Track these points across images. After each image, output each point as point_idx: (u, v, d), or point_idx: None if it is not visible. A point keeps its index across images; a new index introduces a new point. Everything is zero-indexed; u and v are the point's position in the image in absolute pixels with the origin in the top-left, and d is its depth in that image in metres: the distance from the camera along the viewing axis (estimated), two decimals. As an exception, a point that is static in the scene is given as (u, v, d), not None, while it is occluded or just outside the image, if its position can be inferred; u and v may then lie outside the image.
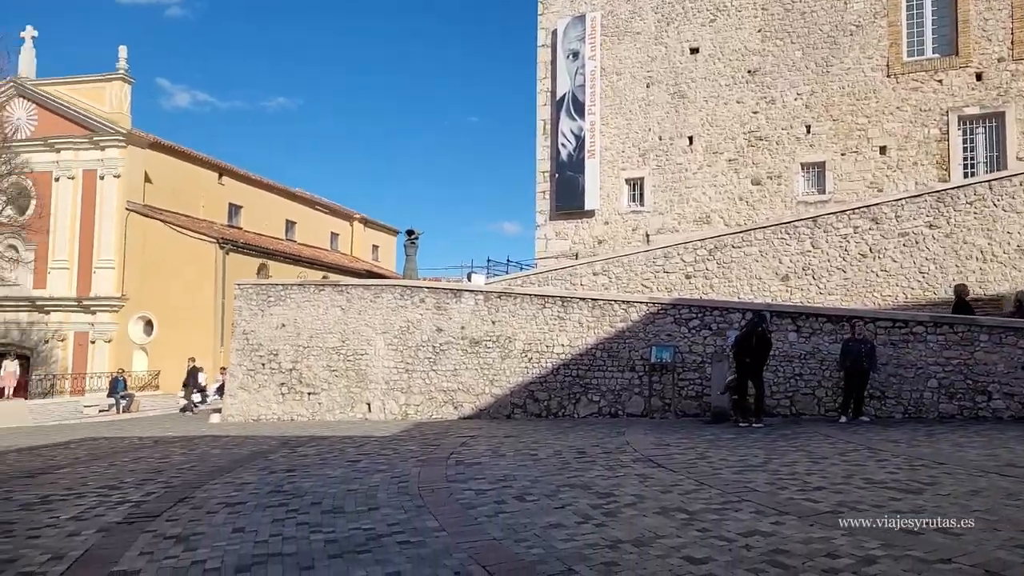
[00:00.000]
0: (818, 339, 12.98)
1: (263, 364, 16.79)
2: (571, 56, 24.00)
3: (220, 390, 20.80)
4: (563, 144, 23.84)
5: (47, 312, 29.17)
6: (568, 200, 23.65)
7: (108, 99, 29.79)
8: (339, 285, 17.20)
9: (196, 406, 21.34)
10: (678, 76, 22.76)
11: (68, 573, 4.83)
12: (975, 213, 15.39)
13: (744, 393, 11.81)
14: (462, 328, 15.43)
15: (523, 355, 14.89)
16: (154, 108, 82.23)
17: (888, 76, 20.32)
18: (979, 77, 19.40)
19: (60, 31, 78.52)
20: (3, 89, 29.04)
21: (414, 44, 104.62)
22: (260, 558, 5.00)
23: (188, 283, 27.86)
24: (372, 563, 4.82)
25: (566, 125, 23.84)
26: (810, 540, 4.93)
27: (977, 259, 15.30)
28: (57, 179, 29.56)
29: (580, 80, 23.75)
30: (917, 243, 15.74)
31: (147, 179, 29.83)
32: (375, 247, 46.75)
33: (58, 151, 29.53)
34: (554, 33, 24.33)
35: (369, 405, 15.91)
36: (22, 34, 31.13)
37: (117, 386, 22.22)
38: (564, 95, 23.98)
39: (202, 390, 23.85)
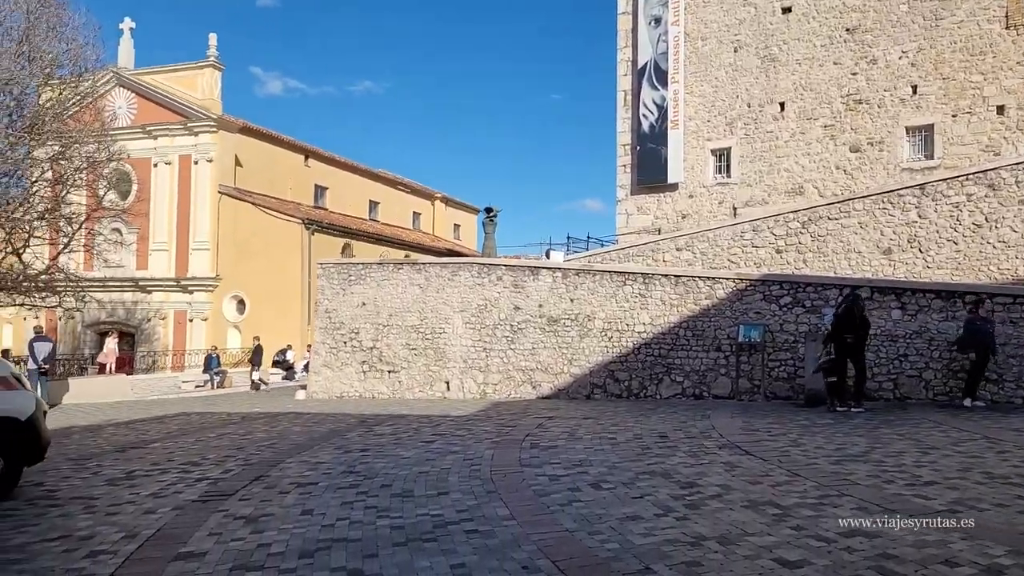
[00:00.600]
0: (925, 317, 11.94)
1: (345, 342, 17.00)
2: (653, 22, 23.03)
3: (307, 367, 21.30)
4: (644, 115, 22.99)
5: (149, 292, 30.74)
6: (650, 173, 22.84)
7: (200, 86, 30.85)
8: (417, 264, 17.19)
9: (263, 383, 21.87)
10: (768, 38, 21.47)
11: (138, 552, 4.82)
12: (1111, 176, 13.80)
13: (843, 375, 10.98)
14: (539, 306, 15.11)
15: (602, 334, 14.44)
16: (249, 96, 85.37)
17: (1007, 28, 18.47)
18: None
19: (157, 21, 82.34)
20: (104, 79, 30.47)
21: (494, 25, 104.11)
22: (325, 543, 4.86)
23: (276, 263, 28.72)
24: (437, 553, 4.59)
25: (648, 95, 22.97)
26: (923, 544, 4.36)
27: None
28: (155, 165, 30.95)
29: (663, 47, 22.78)
30: (1041, 211, 14.27)
31: (237, 163, 30.84)
32: (456, 226, 47.00)
33: (155, 138, 30.88)
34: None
35: (448, 383, 15.86)
36: (120, 26, 32.60)
37: (211, 363, 23.15)
38: (646, 64, 23.08)
39: (289, 367, 24.59)
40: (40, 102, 18.96)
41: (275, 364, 25.70)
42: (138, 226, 29.53)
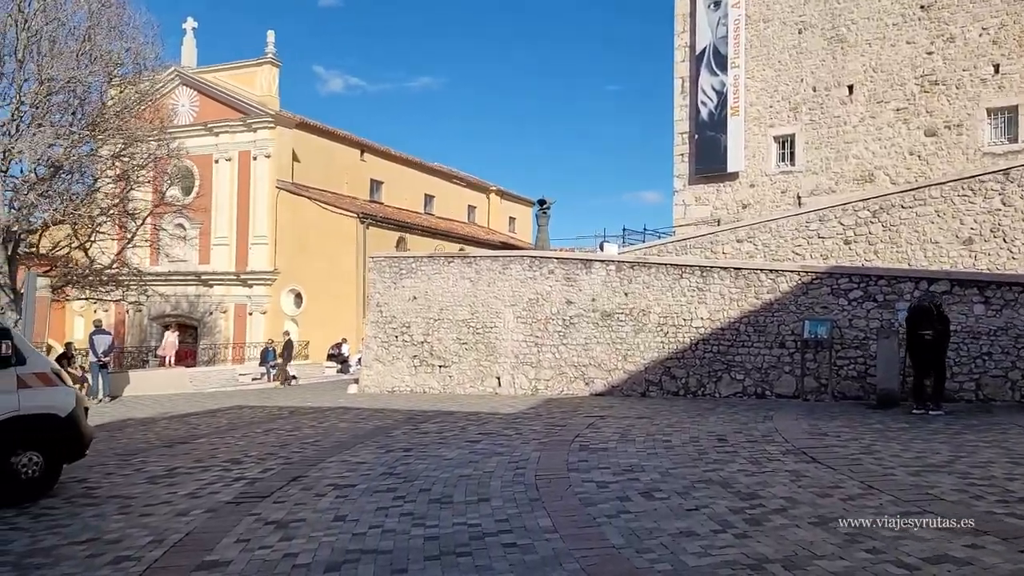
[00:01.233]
0: (1012, 312, 11.01)
1: (396, 336, 16.85)
2: (712, 5, 22.15)
3: (360, 361, 21.32)
4: (703, 102, 22.16)
5: (210, 286, 31.41)
6: (709, 162, 22.01)
7: (259, 83, 31.29)
8: (467, 257, 16.89)
9: (294, 378, 21.94)
10: (835, 18, 20.36)
11: (162, 560, 4.63)
12: None
13: (921, 375, 10.19)
14: (592, 300, 14.62)
15: (658, 329, 13.87)
16: (312, 94, 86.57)
17: (1103, -2, 17.01)
18: None
19: (221, 20, 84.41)
20: (167, 78, 31.22)
21: (553, 19, 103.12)
22: (353, 554, 4.58)
23: (332, 257, 28.93)
24: (470, 569, 4.25)
25: (706, 81, 22.12)
26: (1022, 573, 3.79)
27: None
28: (216, 161, 31.57)
29: (722, 31, 21.89)
30: None
31: (295, 158, 31.18)
32: (512, 219, 46.67)
33: (216, 135, 31.48)
34: (693, -18, 22.58)
35: (499, 379, 15.54)
36: (184, 25, 33.31)
37: (267, 356, 23.41)
38: (704, 49, 22.22)
39: (344, 361, 24.72)
40: (104, 101, 19.42)
41: (330, 357, 25.88)
42: (200, 221, 30.14)
